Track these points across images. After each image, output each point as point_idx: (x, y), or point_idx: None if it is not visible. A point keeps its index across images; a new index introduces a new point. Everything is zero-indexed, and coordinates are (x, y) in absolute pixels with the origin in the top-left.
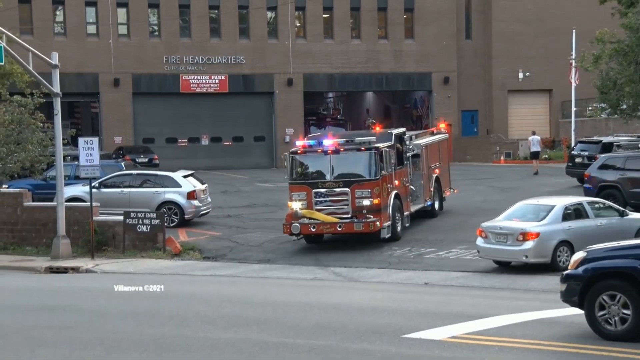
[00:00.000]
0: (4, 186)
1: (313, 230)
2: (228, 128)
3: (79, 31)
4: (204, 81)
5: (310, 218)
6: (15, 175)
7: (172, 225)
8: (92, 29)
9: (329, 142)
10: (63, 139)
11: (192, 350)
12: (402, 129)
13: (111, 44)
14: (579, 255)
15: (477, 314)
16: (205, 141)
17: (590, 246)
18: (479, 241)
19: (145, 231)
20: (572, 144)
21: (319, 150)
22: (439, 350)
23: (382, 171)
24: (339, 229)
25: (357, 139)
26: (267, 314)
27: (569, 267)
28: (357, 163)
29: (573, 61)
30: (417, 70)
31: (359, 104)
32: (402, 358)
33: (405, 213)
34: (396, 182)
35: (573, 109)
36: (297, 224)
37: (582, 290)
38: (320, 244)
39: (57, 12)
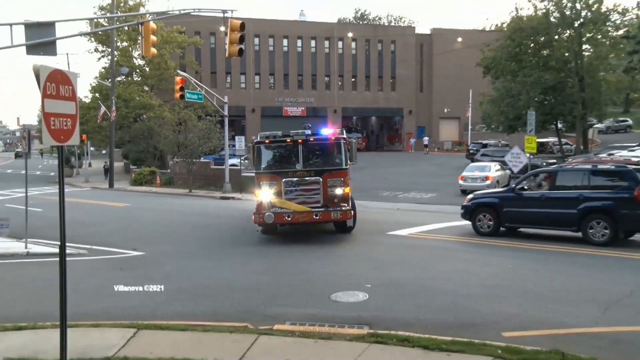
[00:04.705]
0: (202, 159)
1: (288, 219)
2: None
3: (236, 86)
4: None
5: (281, 208)
6: (206, 153)
7: None
8: (242, 84)
9: (297, 132)
10: (229, 136)
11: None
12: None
13: (252, 93)
14: (469, 196)
15: (422, 222)
16: None
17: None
18: (461, 182)
19: None
20: (469, 144)
21: (288, 140)
22: (404, 240)
23: (349, 162)
24: (315, 217)
25: (323, 129)
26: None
27: (465, 201)
28: (328, 152)
29: (470, 104)
30: (396, 107)
31: (369, 124)
32: (386, 241)
33: None
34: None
35: (469, 128)
36: (271, 213)
37: (470, 212)
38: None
39: (228, 74)
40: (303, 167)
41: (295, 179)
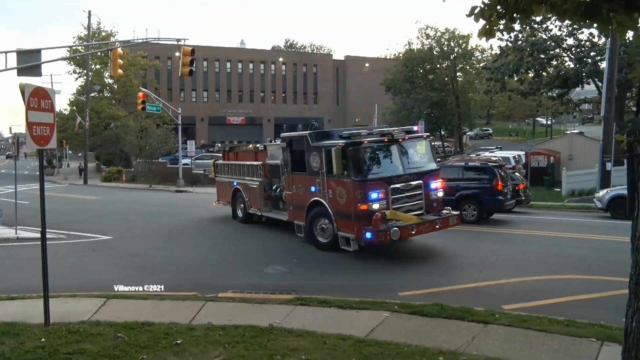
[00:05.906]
0: (160, 159)
1: (413, 232)
2: None
3: (188, 99)
4: None
5: (396, 220)
6: (163, 155)
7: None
8: (193, 98)
9: (390, 130)
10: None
11: None
12: None
13: (201, 105)
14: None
15: None
16: None
17: None
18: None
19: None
20: None
21: (386, 140)
22: None
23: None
24: (437, 227)
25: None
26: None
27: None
28: (421, 152)
29: (376, 115)
30: (318, 116)
31: (297, 131)
32: None
33: None
34: None
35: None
36: (397, 229)
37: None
38: None
39: (182, 90)
40: (404, 170)
41: (400, 184)
